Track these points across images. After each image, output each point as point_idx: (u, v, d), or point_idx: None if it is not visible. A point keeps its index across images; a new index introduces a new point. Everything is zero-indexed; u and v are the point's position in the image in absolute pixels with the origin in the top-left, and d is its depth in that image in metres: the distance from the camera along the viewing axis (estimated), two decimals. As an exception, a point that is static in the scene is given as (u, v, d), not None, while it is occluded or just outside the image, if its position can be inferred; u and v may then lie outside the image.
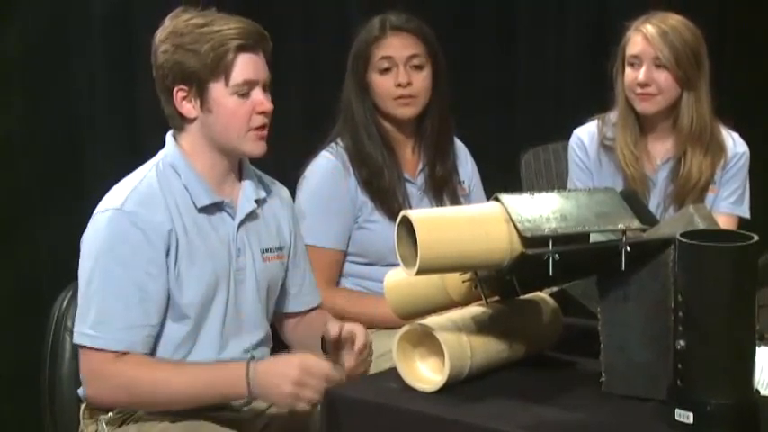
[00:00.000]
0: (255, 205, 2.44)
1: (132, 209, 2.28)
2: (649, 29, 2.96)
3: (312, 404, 2.20)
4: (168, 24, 2.35)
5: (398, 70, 2.85)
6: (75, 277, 2.34)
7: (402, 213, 1.94)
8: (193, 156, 2.38)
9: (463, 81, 3.47)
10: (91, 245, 2.30)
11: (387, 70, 2.86)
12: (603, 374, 2.05)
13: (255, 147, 2.37)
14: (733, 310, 1.82)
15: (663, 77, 2.95)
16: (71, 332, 2.39)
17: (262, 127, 2.36)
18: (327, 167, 2.88)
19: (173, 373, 2.28)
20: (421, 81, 2.87)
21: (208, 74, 2.31)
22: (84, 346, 2.28)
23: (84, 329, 2.27)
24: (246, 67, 2.33)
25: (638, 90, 2.97)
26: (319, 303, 2.63)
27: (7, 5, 3.08)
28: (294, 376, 2.19)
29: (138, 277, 2.26)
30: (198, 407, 2.30)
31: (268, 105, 2.36)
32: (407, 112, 2.88)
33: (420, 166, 2.96)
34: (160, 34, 2.35)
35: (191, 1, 2.45)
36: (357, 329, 2.36)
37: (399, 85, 2.85)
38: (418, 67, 2.88)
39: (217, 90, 2.32)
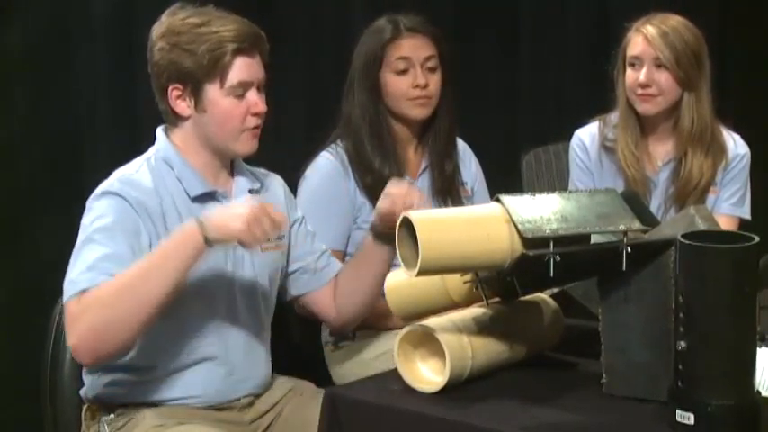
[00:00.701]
0: (249, 195, 2.44)
1: (119, 187, 2.29)
2: (650, 29, 2.95)
3: (262, 242, 2.20)
4: (165, 21, 2.34)
5: (416, 71, 2.86)
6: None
7: (403, 214, 1.94)
8: (186, 152, 2.38)
9: (464, 82, 3.47)
10: (82, 226, 2.29)
11: (404, 71, 2.87)
12: (604, 375, 2.06)
13: (247, 146, 2.37)
14: (734, 312, 1.82)
15: (663, 78, 2.95)
16: None
17: (255, 127, 2.37)
18: (327, 168, 2.88)
19: (131, 267, 2.21)
20: (435, 83, 2.89)
21: (203, 75, 2.31)
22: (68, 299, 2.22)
23: (68, 292, 2.22)
24: (242, 69, 2.33)
25: (639, 91, 2.96)
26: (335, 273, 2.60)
27: (9, 6, 3.08)
28: (245, 213, 2.17)
29: (120, 240, 2.23)
30: (172, 285, 2.19)
31: (262, 107, 2.36)
32: (423, 112, 2.89)
33: (422, 168, 2.97)
34: (156, 30, 2.35)
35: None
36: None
37: (418, 86, 2.85)
38: (433, 69, 2.89)
39: (212, 91, 2.33)
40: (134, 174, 2.34)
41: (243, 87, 2.33)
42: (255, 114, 2.35)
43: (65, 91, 3.21)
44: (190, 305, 2.33)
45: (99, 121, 3.29)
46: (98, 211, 2.28)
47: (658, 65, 2.94)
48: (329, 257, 2.59)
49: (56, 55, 3.18)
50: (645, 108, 2.98)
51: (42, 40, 3.14)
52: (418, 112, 2.88)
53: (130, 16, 3.31)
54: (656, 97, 2.96)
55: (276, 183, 2.55)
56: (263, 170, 2.55)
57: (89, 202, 2.32)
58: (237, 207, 2.21)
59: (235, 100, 2.33)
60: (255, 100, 2.35)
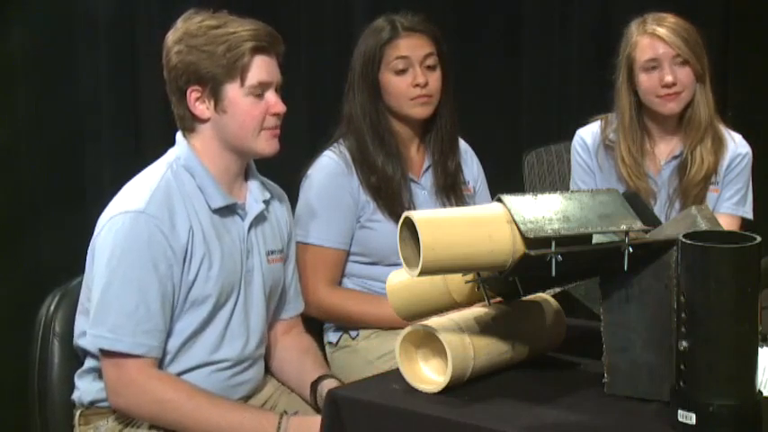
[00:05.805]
0: (264, 206, 2.45)
1: (155, 212, 2.27)
2: (659, 30, 2.94)
3: None
4: (180, 26, 2.35)
5: (415, 70, 2.86)
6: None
7: (405, 214, 1.94)
8: (206, 157, 2.38)
9: (466, 81, 3.47)
10: (112, 248, 2.27)
11: (403, 71, 2.87)
12: (606, 376, 2.05)
13: (269, 145, 2.39)
14: (736, 312, 1.82)
15: (685, 74, 2.94)
16: (60, 337, 2.37)
17: (275, 127, 2.38)
18: (330, 166, 2.89)
19: (206, 405, 2.27)
20: (435, 81, 2.89)
21: (223, 75, 2.32)
22: (106, 351, 2.26)
23: (102, 332, 2.25)
24: (261, 68, 2.34)
25: (663, 92, 2.93)
26: (301, 311, 2.64)
27: (11, 8, 3.08)
28: None
29: (160, 281, 2.26)
30: None
31: (281, 107, 2.38)
32: (424, 111, 2.89)
33: (425, 166, 2.97)
34: (172, 36, 2.35)
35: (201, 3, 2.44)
36: None
37: (418, 85, 2.85)
38: (432, 67, 2.89)
39: (232, 90, 2.33)
40: (159, 184, 2.32)
41: (262, 87, 2.35)
42: (275, 114, 2.37)
43: (66, 91, 3.21)
44: (201, 312, 2.34)
45: (101, 122, 3.29)
46: (131, 240, 2.25)
47: (678, 62, 2.93)
48: (296, 296, 2.61)
49: (58, 55, 3.19)
50: (671, 107, 2.96)
51: (44, 40, 3.15)
52: (419, 111, 2.89)
53: (132, 17, 3.31)
54: (681, 94, 2.96)
55: (282, 200, 2.57)
56: (272, 183, 2.56)
57: (117, 223, 2.27)
58: None
59: (254, 99, 2.35)
60: (275, 100, 2.37)
